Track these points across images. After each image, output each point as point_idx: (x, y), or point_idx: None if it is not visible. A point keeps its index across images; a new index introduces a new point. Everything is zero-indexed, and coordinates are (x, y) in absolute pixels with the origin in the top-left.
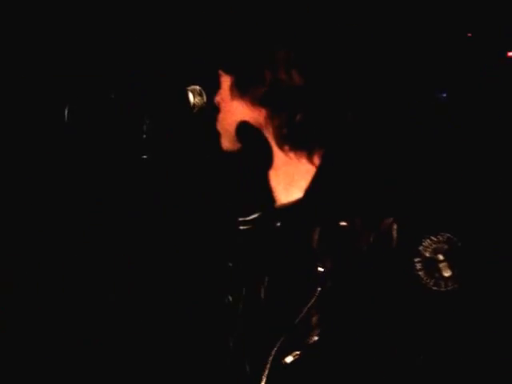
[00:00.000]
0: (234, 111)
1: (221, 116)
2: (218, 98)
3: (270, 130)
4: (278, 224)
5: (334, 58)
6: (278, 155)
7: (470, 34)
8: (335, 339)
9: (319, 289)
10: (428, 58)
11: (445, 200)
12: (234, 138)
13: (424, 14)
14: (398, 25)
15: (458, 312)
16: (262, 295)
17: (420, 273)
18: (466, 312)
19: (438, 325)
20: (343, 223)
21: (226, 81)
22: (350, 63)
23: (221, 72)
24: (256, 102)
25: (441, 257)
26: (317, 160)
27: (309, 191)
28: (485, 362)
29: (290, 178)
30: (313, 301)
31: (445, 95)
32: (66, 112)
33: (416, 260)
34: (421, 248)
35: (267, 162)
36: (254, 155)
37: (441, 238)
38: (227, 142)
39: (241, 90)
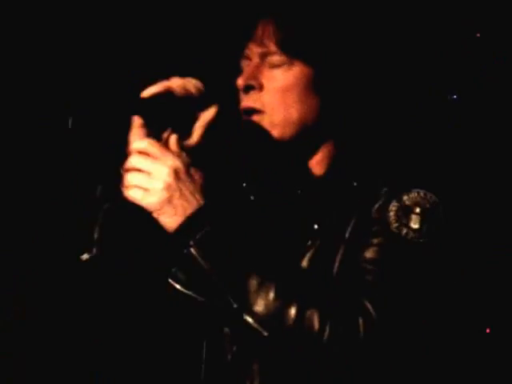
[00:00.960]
0: (313, 103)
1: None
2: (282, 84)
3: (315, 125)
4: (300, 191)
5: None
6: (312, 152)
7: (478, 35)
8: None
9: (309, 242)
10: (438, 58)
11: (440, 170)
12: (296, 126)
13: (434, 15)
14: (410, 26)
15: (409, 261)
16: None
17: (390, 213)
18: (416, 264)
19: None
20: (355, 184)
21: (297, 71)
22: (370, 63)
23: (297, 63)
24: (322, 94)
25: (417, 209)
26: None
27: (330, 168)
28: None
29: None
30: (303, 251)
31: (455, 97)
32: (70, 120)
33: (393, 202)
34: (404, 197)
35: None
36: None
37: (427, 197)
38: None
39: (320, 81)
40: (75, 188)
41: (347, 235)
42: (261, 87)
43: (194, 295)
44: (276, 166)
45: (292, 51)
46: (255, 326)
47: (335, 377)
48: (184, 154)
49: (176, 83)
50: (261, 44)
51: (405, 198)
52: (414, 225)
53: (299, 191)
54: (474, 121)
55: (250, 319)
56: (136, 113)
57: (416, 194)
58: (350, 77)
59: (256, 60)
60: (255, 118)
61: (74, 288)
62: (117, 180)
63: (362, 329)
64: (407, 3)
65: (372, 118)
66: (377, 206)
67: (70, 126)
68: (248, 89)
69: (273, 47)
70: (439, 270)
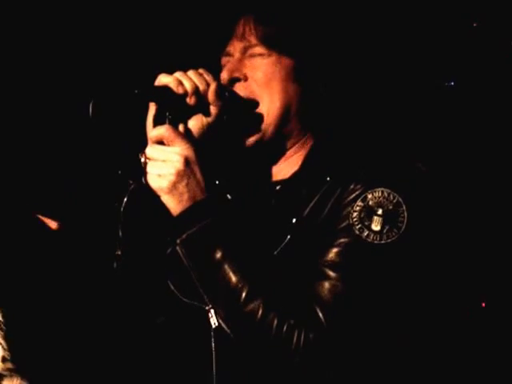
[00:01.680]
0: (293, 92)
1: (268, 94)
2: (264, 75)
3: (296, 118)
4: (278, 187)
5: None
6: (293, 142)
7: (475, 24)
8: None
9: (288, 237)
10: (434, 47)
11: (409, 169)
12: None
13: (429, 5)
14: (405, 16)
15: (367, 261)
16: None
17: (354, 214)
18: (373, 265)
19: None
20: (328, 178)
21: (277, 61)
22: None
23: (276, 54)
24: (302, 84)
25: (380, 211)
26: (307, 145)
27: (303, 164)
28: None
29: (295, 161)
30: (281, 246)
31: (452, 83)
32: (91, 107)
33: (358, 202)
34: (369, 196)
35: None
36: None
37: (391, 198)
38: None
39: (300, 72)
40: (97, 175)
41: (320, 229)
42: (245, 78)
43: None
44: (251, 162)
45: (271, 43)
46: (223, 323)
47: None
48: (196, 145)
49: (190, 85)
50: (242, 39)
51: (369, 197)
52: (376, 227)
53: (278, 187)
54: (451, 117)
55: (220, 316)
56: (152, 100)
57: (380, 194)
58: (330, 68)
59: (238, 55)
60: (242, 105)
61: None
62: (137, 165)
63: (307, 339)
64: None
65: (351, 111)
66: (345, 202)
67: (91, 112)
68: (233, 81)
69: (254, 40)
70: (398, 272)
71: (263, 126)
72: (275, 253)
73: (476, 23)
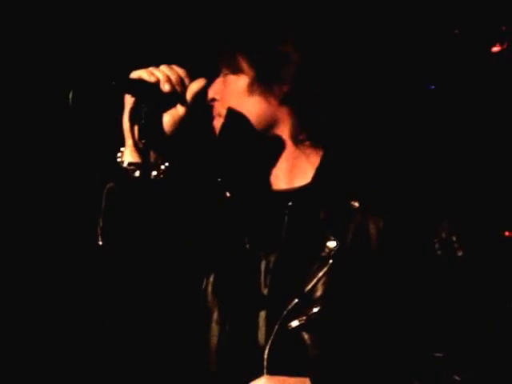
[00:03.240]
0: (251, 107)
1: (231, 111)
2: (227, 93)
3: (284, 125)
4: (290, 203)
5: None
6: (289, 149)
7: (456, 31)
8: (338, 311)
9: (331, 261)
10: (416, 52)
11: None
12: (249, 131)
13: (412, 11)
14: (390, 22)
15: (464, 285)
16: (272, 267)
17: (439, 252)
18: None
19: (451, 301)
20: (355, 203)
21: (241, 78)
22: (353, 63)
23: (239, 68)
24: (276, 99)
25: (455, 237)
26: (319, 153)
27: (316, 177)
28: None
29: (298, 169)
30: (322, 272)
31: (433, 87)
32: (70, 96)
33: (435, 240)
34: (439, 230)
35: (280, 154)
36: (266, 149)
37: (453, 221)
38: (242, 134)
39: (264, 87)
40: (76, 167)
41: (370, 255)
42: (215, 99)
43: None
44: (250, 160)
45: (227, 64)
46: None
47: None
48: None
49: (162, 73)
50: (221, 66)
51: (439, 230)
52: (459, 253)
53: (290, 203)
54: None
55: None
56: (127, 91)
57: (445, 224)
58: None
59: (220, 77)
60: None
61: (81, 278)
62: (115, 159)
63: None
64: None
65: (351, 120)
66: (407, 238)
67: (70, 101)
68: (212, 100)
69: (224, 65)
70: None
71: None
72: (316, 278)
73: (457, 30)
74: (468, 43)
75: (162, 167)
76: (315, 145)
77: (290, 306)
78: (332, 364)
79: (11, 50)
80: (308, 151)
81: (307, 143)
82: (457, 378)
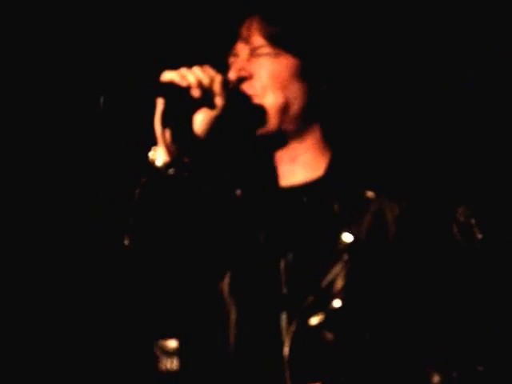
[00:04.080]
0: (297, 92)
1: (267, 98)
2: (270, 73)
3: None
4: (305, 199)
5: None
6: (304, 142)
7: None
8: (358, 305)
9: (347, 255)
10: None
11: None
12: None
13: (424, 15)
14: (402, 24)
15: (484, 267)
16: (291, 266)
17: (457, 236)
18: (491, 268)
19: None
20: (370, 194)
21: (283, 61)
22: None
23: (283, 54)
24: (312, 85)
25: (473, 221)
26: (330, 146)
27: (329, 169)
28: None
29: (311, 162)
30: (339, 267)
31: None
32: (101, 101)
33: (454, 224)
34: (457, 214)
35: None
36: (280, 142)
37: (471, 206)
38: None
39: (313, 75)
40: (107, 171)
41: (388, 246)
42: (251, 76)
43: None
44: (260, 159)
45: (277, 42)
46: None
47: None
48: None
49: (194, 77)
50: (248, 40)
51: (458, 215)
52: (478, 236)
53: (305, 199)
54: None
55: None
56: (158, 95)
57: (462, 209)
58: (335, 69)
59: (244, 55)
60: (248, 103)
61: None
62: (146, 160)
63: None
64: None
65: (365, 116)
66: (426, 225)
67: (101, 106)
68: (240, 79)
69: (260, 41)
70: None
71: (266, 119)
72: (332, 273)
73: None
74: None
75: (193, 167)
76: (327, 137)
77: (306, 304)
78: (354, 360)
79: (42, 56)
80: (321, 144)
81: (320, 136)
82: (480, 368)
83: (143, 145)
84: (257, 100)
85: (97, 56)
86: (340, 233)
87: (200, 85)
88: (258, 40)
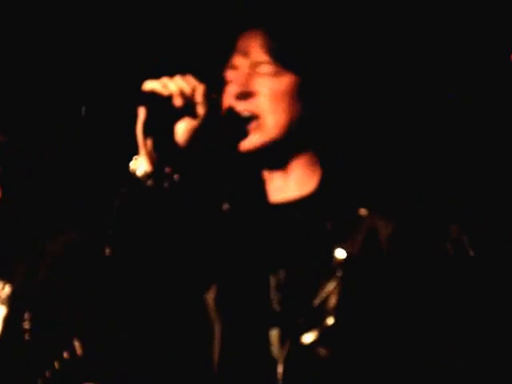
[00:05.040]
0: (299, 109)
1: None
2: (274, 89)
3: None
4: (298, 215)
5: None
6: (296, 158)
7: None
8: (352, 322)
9: (340, 272)
10: (431, 57)
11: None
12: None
13: (424, 16)
14: (401, 26)
15: (478, 284)
16: (283, 282)
17: (450, 251)
18: (486, 286)
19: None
20: (363, 211)
21: (288, 80)
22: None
23: (287, 72)
24: (309, 103)
25: (465, 238)
26: (321, 162)
27: (320, 185)
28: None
29: (301, 180)
30: (333, 284)
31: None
32: (83, 110)
33: (447, 241)
34: (450, 231)
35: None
36: (273, 157)
37: (463, 224)
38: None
39: (307, 90)
40: (87, 177)
41: (381, 262)
42: (253, 94)
43: None
44: (251, 173)
45: (283, 61)
46: None
47: None
48: None
49: (176, 86)
50: (250, 55)
51: (450, 232)
52: (471, 252)
53: (297, 215)
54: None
55: None
56: (140, 103)
57: (455, 226)
58: (338, 86)
59: (245, 69)
60: (248, 120)
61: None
62: (127, 170)
63: None
64: (394, 15)
65: (362, 132)
66: (418, 243)
67: (83, 114)
68: (242, 96)
69: (263, 57)
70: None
71: (266, 138)
72: (325, 291)
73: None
74: (486, 51)
75: (174, 178)
76: (319, 153)
77: (300, 321)
78: (348, 377)
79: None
80: (313, 160)
81: (312, 152)
82: None
83: (124, 154)
84: (258, 117)
85: (79, 64)
86: (333, 249)
87: (182, 94)
88: (260, 56)
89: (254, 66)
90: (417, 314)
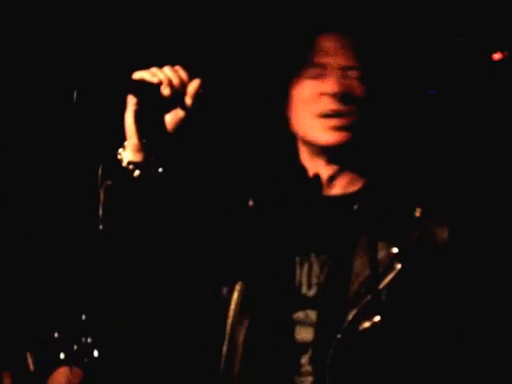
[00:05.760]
0: (373, 111)
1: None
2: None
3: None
4: (356, 206)
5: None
6: (345, 155)
7: (458, 38)
8: (403, 316)
9: (399, 266)
10: (418, 57)
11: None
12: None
13: (414, 15)
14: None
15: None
16: (335, 270)
17: (498, 253)
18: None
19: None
20: (417, 212)
21: (373, 85)
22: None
23: (373, 77)
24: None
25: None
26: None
27: (369, 182)
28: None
29: (349, 177)
30: (391, 276)
31: (433, 92)
32: (74, 95)
33: (492, 244)
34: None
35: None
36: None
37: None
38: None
39: (383, 94)
40: (78, 165)
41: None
42: (349, 95)
43: None
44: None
45: (372, 67)
46: None
47: None
48: None
49: (165, 76)
50: (341, 57)
51: (491, 233)
52: None
53: (355, 206)
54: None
55: None
56: (128, 91)
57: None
58: (400, 87)
59: (336, 70)
60: (334, 120)
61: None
62: (116, 157)
63: None
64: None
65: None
66: (472, 246)
67: (74, 101)
68: (342, 97)
69: (354, 61)
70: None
71: (343, 139)
72: (383, 283)
73: (459, 37)
74: (469, 50)
75: (162, 168)
76: (365, 153)
77: (351, 314)
78: (396, 369)
79: (16, 50)
80: (358, 159)
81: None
82: None
83: (113, 142)
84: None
85: (70, 52)
86: (388, 245)
87: (170, 84)
88: (353, 60)
89: (346, 68)
90: (464, 318)
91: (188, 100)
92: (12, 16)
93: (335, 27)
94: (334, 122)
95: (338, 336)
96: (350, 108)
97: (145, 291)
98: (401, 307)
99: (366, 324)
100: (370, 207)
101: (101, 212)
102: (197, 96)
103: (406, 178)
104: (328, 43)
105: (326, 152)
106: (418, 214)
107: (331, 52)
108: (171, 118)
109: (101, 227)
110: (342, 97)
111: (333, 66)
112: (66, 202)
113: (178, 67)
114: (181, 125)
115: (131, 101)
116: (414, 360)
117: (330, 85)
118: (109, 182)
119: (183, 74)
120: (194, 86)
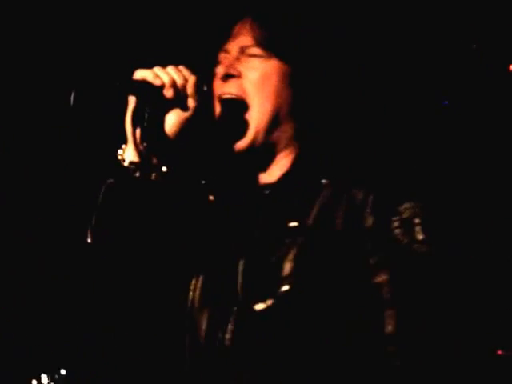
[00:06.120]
0: (287, 96)
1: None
2: (261, 74)
3: (286, 124)
4: (267, 191)
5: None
6: (277, 146)
7: (474, 46)
8: (306, 290)
9: (294, 240)
10: (431, 65)
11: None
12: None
13: (428, 23)
14: (401, 30)
15: (424, 271)
16: (246, 263)
17: (397, 230)
18: (432, 273)
19: (405, 278)
20: (324, 181)
21: (274, 63)
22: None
23: (273, 57)
24: (295, 89)
25: (417, 220)
26: (296, 146)
27: (291, 168)
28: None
29: (280, 163)
30: (288, 252)
31: (447, 102)
32: (72, 96)
33: (394, 218)
34: (400, 208)
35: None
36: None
37: (418, 204)
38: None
39: (294, 77)
40: (75, 167)
41: (334, 231)
42: (239, 75)
43: None
44: (238, 165)
45: (269, 46)
46: None
47: None
48: None
49: (168, 77)
50: (238, 39)
51: (401, 209)
52: (419, 236)
53: (267, 191)
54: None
55: None
56: (130, 92)
57: (409, 205)
58: (323, 75)
59: (235, 53)
60: (233, 104)
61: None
62: (115, 158)
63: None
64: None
65: (344, 118)
66: (370, 217)
67: (72, 101)
68: (228, 77)
69: (250, 42)
70: (454, 276)
71: (253, 130)
72: (278, 257)
73: (475, 45)
74: (485, 61)
75: (162, 170)
76: (297, 138)
77: (253, 291)
78: (300, 347)
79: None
80: (291, 143)
81: (292, 136)
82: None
83: (113, 143)
84: (242, 105)
85: (69, 51)
86: (288, 220)
87: (173, 85)
88: (248, 40)
89: (243, 49)
90: (360, 288)
91: (191, 102)
92: (12, 16)
93: (247, 14)
94: (233, 104)
95: (231, 321)
96: (247, 90)
97: (127, 286)
98: (302, 280)
99: (259, 306)
100: (282, 190)
101: (96, 212)
102: (200, 97)
103: (320, 160)
104: (235, 30)
105: (246, 153)
106: (324, 181)
107: (233, 36)
108: (173, 120)
109: (91, 228)
110: (231, 78)
111: (233, 50)
112: (66, 202)
113: (181, 67)
114: (182, 125)
115: (132, 101)
116: (316, 338)
117: (221, 68)
118: (110, 181)
119: (187, 74)
120: (196, 86)
